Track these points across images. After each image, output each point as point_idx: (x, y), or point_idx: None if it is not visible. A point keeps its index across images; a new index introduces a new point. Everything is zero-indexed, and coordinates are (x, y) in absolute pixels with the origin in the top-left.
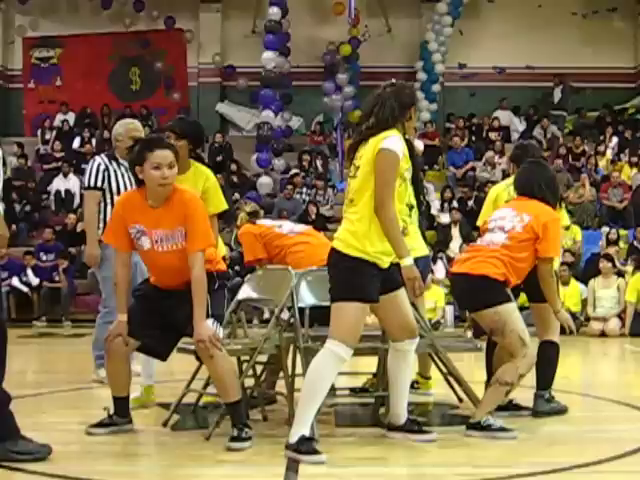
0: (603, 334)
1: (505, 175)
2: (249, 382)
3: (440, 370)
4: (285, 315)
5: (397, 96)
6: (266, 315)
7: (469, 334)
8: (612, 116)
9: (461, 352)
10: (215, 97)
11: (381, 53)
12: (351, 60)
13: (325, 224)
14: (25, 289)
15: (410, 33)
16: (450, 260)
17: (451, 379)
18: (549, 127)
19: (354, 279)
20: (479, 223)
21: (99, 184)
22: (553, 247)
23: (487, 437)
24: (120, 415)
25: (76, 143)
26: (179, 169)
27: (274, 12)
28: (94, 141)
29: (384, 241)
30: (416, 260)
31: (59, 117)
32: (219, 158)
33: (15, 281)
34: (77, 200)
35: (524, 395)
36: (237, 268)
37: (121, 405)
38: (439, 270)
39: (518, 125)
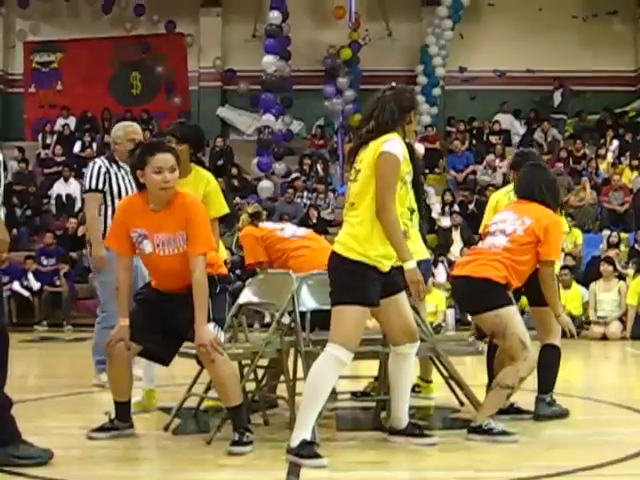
0: (604, 337)
1: (505, 178)
2: (250, 386)
3: (441, 374)
4: (286, 319)
5: (397, 99)
6: (267, 319)
7: (470, 337)
8: (613, 119)
9: (462, 356)
10: (216, 101)
11: (382, 57)
12: (352, 64)
13: (326, 228)
14: (26, 293)
15: (410, 37)
16: (451, 264)
17: (452, 383)
18: (550, 130)
19: (355, 283)
20: (481, 230)
21: (100, 186)
22: (554, 250)
23: (488, 441)
24: (121, 420)
25: (77, 147)
26: (180, 173)
27: (274, 16)
28: (95, 145)
29: (386, 244)
30: (417, 264)
31: (60, 121)
32: (220, 162)
33: (16, 285)
34: (78, 204)
35: (525, 399)
36: (238, 272)
37: (122, 410)
38: (440, 274)
39: (519, 128)
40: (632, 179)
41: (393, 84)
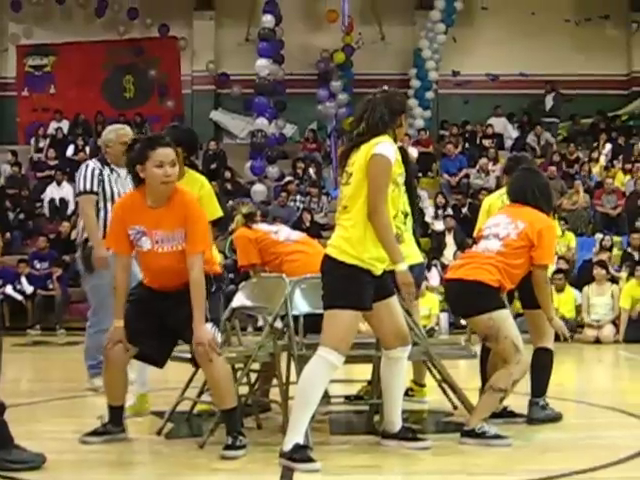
0: (597, 341)
1: (499, 182)
2: (243, 390)
3: (434, 377)
4: (278, 324)
5: (387, 102)
6: (260, 323)
7: (463, 341)
8: (605, 123)
9: (455, 359)
10: (209, 105)
11: (375, 60)
12: (345, 67)
13: (319, 231)
14: (19, 297)
15: (404, 40)
16: (444, 267)
17: (445, 386)
18: (543, 134)
19: (348, 287)
20: (475, 234)
21: (95, 188)
22: (548, 254)
23: (482, 444)
24: (114, 424)
25: (70, 151)
26: None
27: (268, 20)
28: (88, 149)
29: (378, 247)
30: (411, 268)
31: (53, 125)
32: (213, 166)
33: (9, 289)
34: (71, 208)
35: (518, 402)
36: (231, 275)
37: (116, 414)
38: (433, 277)
39: (512, 132)
40: (625, 182)
41: (385, 87)
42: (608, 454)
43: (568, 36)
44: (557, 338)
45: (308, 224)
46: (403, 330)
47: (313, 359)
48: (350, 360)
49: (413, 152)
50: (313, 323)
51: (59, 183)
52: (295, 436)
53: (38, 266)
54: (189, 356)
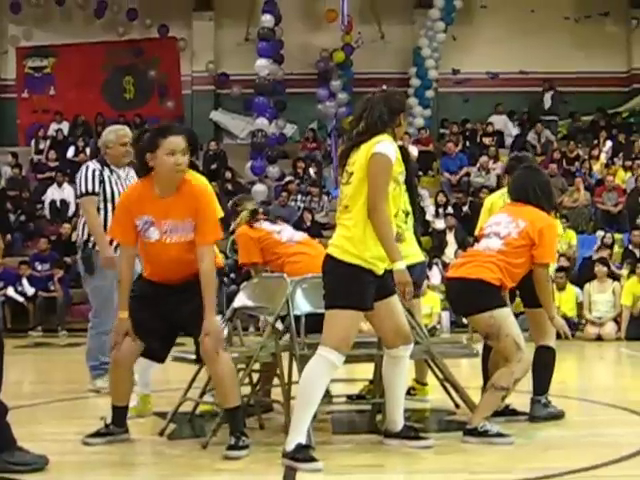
0: (599, 338)
1: (499, 180)
2: (245, 390)
3: (436, 376)
4: (278, 325)
5: (387, 101)
6: (262, 323)
7: (464, 339)
8: (606, 120)
9: (457, 358)
10: (209, 105)
11: (374, 59)
12: (344, 67)
13: (320, 231)
14: (20, 299)
15: (403, 39)
16: (445, 266)
17: (447, 385)
18: (543, 132)
19: (350, 287)
20: (477, 233)
21: (96, 189)
22: (549, 253)
23: (484, 443)
24: (117, 425)
25: (70, 152)
26: None
27: (267, 20)
28: (88, 150)
29: (379, 246)
30: (412, 266)
31: (53, 126)
32: (214, 166)
33: (10, 291)
34: (72, 209)
35: (520, 400)
36: (232, 276)
37: (120, 414)
38: (435, 276)
39: (512, 130)
40: (625, 180)
41: (384, 87)
42: (610, 452)
43: (568, 33)
44: (558, 336)
45: (309, 223)
46: (405, 329)
47: (314, 359)
48: (352, 359)
49: (413, 151)
50: (315, 323)
51: (60, 185)
52: (297, 436)
53: (39, 268)
54: (192, 357)
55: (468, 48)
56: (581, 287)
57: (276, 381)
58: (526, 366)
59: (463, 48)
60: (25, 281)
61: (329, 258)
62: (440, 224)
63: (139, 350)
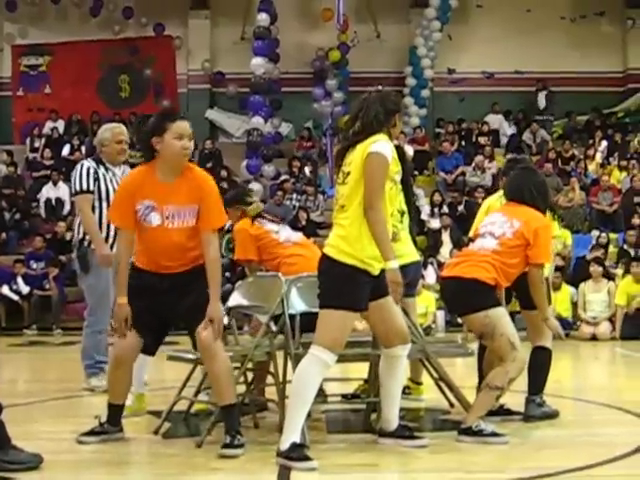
0: (594, 338)
1: (495, 180)
2: (240, 389)
3: (431, 375)
4: (273, 326)
5: (382, 102)
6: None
7: (459, 339)
8: (601, 120)
9: (452, 357)
10: (205, 104)
11: (370, 58)
12: (340, 66)
13: (315, 230)
14: (15, 297)
15: (399, 38)
16: (440, 265)
17: (442, 384)
18: (538, 131)
19: (344, 287)
20: (472, 234)
21: (91, 187)
22: (544, 253)
23: (479, 442)
24: (112, 424)
25: (65, 151)
26: None
27: (263, 18)
28: (84, 149)
29: (374, 245)
30: (408, 266)
31: (48, 125)
32: (209, 164)
33: (5, 289)
34: (67, 208)
35: (515, 400)
36: (227, 274)
37: (115, 412)
38: (430, 275)
39: (507, 129)
40: (621, 179)
41: (379, 87)
42: (605, 451)
43: (563, 33)
44: (553, 336)
45: (304, 223)
46: (402, 329)
47: (306, 358)
48: (346, 358)
49: (409, 150)
50: (309, 322)
51: (55, 183)
52: (291, 435)
53: (34, 266)
54: (188, 356)
55: (464, 47)
56: (576, 287)
57: (271, 380)
58: (521, 365)
59: (459, 47)
60: (20, 279)
61: (325, 258)
62: (435, 223)
63: (139, 346)
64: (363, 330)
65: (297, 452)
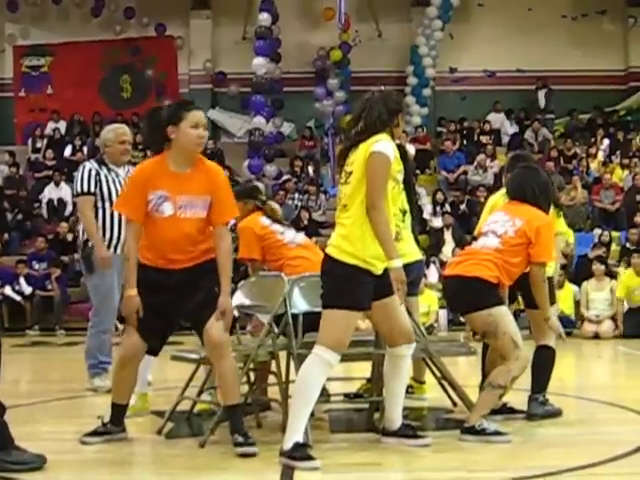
0: (596, 336)
1: (497, 179)
2: (243, 389)
3: (434, 374)
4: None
5: (385, 102)
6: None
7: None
8: (603, 118)
9: (455, 356)
10: (206, 103)
11: (372, 58)
12: (342, 65)
13: (317, 229)
14: (18, 298)
15: (400, 37)
16: (443, 264)
17: (445, 383)
18: (540, 130)
19: (347, 287)
20: (476, 232)
21: (92, 189)
22: (546, 252)
23: (482, 441)
24: (115, 424)
25: (67, 151)
26: None
27: (264, 18)
28: (85, 149)
29: (377, 244)
30: (410, 265)
31: (50, 125)
32: None
33: (8, 290)
34: (69, 208)
35: (518, 398)
36: None
37: (119, 412)
38: (432, 274)
39: (509, 128)
40: (623, 178)
41: (382, 87)
42: (608, 450)
43: (565, 32)
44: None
45: (306, 222)
46: (407, 328)
47: (309, 358)
48: (349, 358)
49: (410, 149)
50: (312, 321)
51: (57, 184)
52: (294, 434)
53: (36, 267)
54: (191, 356)
55: (465, 46)
56: (578, 285)
57: (273, 379)
58: (524, 364)
59: (460, 46)
60: (22, 280)
61: (327, 258)
62: (437, 222)
63: (145, 347)
64: (366, 329)
65: (300, 451)
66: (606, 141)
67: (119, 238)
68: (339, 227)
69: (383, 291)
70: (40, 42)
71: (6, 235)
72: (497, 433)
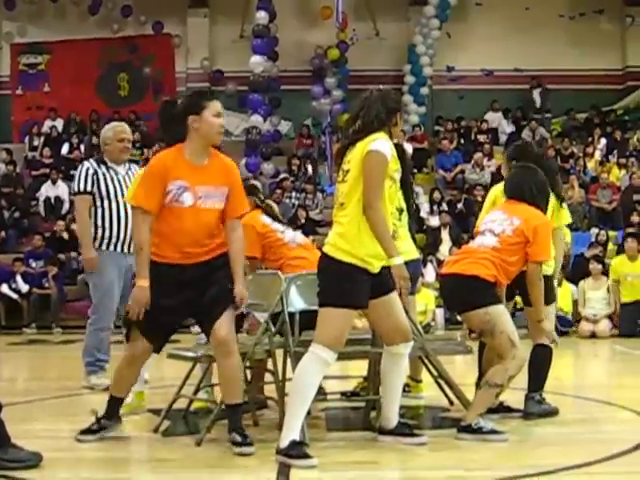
0: (593, 335)
1: (500, 171)
2: None
3: (431, 373)
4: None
5: (383, 100)
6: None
7: (459, 336)
8: (600, 118)
9: (451, 355)
10: None
11: (369, 56)
12: (339, 64)
13: (315, 228)
14: (14, 296)
15: (398, 36)
16: (440, 263)
17: (442, 382)
18: (537, 129)
19: (343, 285)
20: (475, 230)
21: (89, 188)
22: (543, 251)
23: (478, 440)
24: (109, 417)
25: (65, 149)
26: None
27: (262, 16)
28: (83, 147)
29: (375, 243)
30: (407, 263)
31: (47, 123)
32: None
33: (4, 288)
34: (66, 206)
35: (515, 397)
36: None
37: (114, 404)
38: (429, 273)
39: (506, 127)
40: (620, 177)
41: (380, 87)
42: (604, 448)
43: (562, 31)
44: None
45: (303, 221)
46: (404, 326)
47: (306, 356)
48: (346, 356)
49: (408, 148)
50: (309, 320)
51: (54, 182)
52: (291, 433)
53: (33, 265)
54: (188, 354)
55: (463, 45)
56: (575, 284)
57: (270, 378)
58: (520, 363)
59: (458, 45)
60: (19, 278)
61: (324, 256)
62: (434, 221)
63: (152, 349)
64: (362, 328)
65: (297, 450)
66: (603, 140)
67: (119, 236)
68: (336, 225)
69: (380, 289)
70: (37, 40)
71: (3, 233)
72: (494, 432)
